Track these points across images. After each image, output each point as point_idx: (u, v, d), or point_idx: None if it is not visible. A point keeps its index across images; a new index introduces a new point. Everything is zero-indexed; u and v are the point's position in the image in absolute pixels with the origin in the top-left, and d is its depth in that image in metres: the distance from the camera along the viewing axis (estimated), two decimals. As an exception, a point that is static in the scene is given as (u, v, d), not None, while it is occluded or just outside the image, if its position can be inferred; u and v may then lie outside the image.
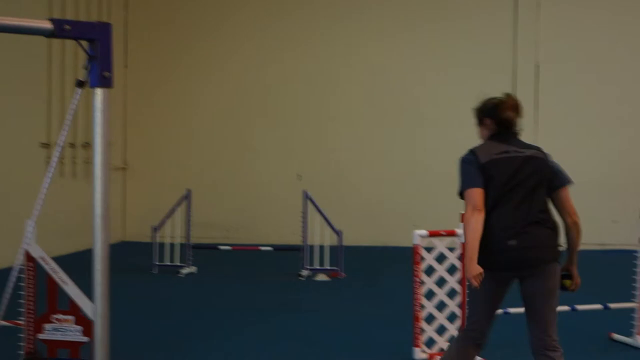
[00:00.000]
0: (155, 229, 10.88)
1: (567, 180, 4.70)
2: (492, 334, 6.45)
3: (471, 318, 4.78)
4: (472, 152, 4.68)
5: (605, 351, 6.60)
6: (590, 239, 13.31)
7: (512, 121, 4.71)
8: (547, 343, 4.59)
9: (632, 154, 13.60)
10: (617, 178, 13.46)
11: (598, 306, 6.87)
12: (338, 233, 10.53)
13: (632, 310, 6.82)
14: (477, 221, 4.49)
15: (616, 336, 6.93)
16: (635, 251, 6.76)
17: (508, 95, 4.80)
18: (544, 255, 4.54)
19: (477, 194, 4.53)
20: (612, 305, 6.87)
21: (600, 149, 13.63)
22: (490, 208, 4.54)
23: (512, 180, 4.55)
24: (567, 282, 4.71)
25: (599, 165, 13.56)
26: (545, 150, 4.74)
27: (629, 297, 6.87)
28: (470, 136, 15.75)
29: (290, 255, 11.26)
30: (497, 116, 4.71)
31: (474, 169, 4.59)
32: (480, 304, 4.69)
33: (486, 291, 4.58)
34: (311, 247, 10.70)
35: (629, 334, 6.85)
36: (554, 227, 4.61)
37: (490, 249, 4.51)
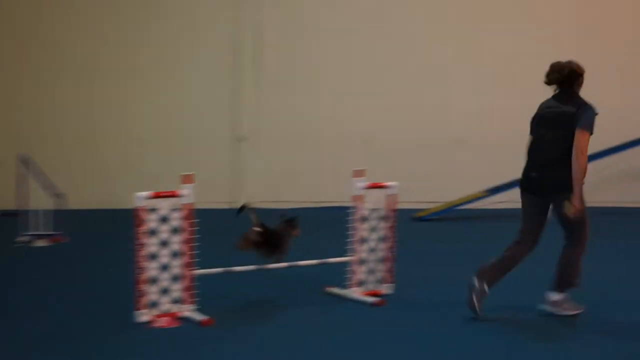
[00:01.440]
0: None
1: (580, 126, 5.99)
2: (209, 289, 6.55)
3: (522, 229, 6.42)
4: (539, 106, 6.39)
5: (322, 304, 6.92)
6: (310, 197, 13.94)
7: (558, 83, 6.24)
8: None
9: (365, 114, 14.20)
10: (331, 137, 14.04)
11: (315, 261, 7.16)
12: (60, 196, 10.14)
13: (346, 264, 7.21)
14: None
15: (331, 289, 7.30)
16: (348, 207, 7.14)
17: (569, 62, 6.24)
18: (552, 186, 6.13)
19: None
20: (329, 260, 7.19)
21: (322, 108, 14.13)
22: (529, 148, 6.35)
23: (546, 129, 6.20)
24: (567, 206, 6.07)
25: (326, 126, 14.08)
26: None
27: (344, 252, 7.23)
28: (186, 100, 15.55)
29: (6, 221, 10.70)
30: (551, 79, 6.26)
31: (532, 121, 6.38)
32: (524, 218, 6.41)
33: (525, 209, 6.39)
34: (30, 212, 10.22)
35: (343, 287, 7.24)
36: (570, 167, 6.00)
37: (524, 176, 6.37)
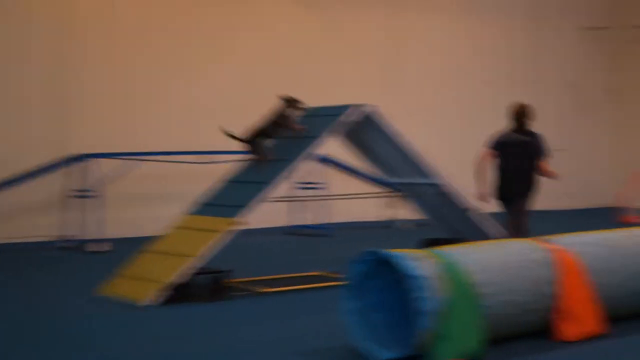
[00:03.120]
0: None
1: (543, 155, 9.00)
2: None
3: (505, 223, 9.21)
4: (499, 134, 9.21)
5: None
6: None
7: (516, 121, 9.12)
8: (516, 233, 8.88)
9: None
10: None
11: None
12: None
13: None
14: (482, 161, 9.22)
15: None
16: None
17: (519, 104, 9.23)
18: (516, 193, 9.01)
19: (486, 151, 9.24)
20: None
21: None
22: (501, 167, 9.05)
23: (511, 152, 8.97)
24: None
25: None
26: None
27: None
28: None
29: None
30: (511, 117, 9.17)
31: (494, 142, 9.13)
32: (506, 216, 9.17)
33: (505, 210, 9.18)
34: None
35: None
36: (528, 180, 8.98)
37: (499, 188, 9.10)
